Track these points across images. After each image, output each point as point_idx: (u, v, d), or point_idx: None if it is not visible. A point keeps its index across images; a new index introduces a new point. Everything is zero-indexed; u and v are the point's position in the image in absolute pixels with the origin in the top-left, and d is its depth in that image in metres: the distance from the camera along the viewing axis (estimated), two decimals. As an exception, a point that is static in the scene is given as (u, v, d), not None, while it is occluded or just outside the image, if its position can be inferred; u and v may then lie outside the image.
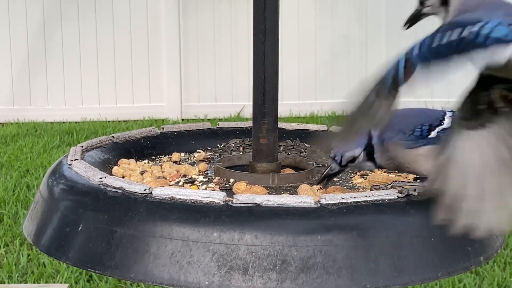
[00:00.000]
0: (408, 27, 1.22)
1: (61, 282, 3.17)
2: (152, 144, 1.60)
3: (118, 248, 1.10)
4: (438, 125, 1.21)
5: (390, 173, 1.47)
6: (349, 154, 1.26)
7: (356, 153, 1.26)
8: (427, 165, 1.22)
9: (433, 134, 1.21)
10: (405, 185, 1.27)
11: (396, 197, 1.16)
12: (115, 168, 1.43)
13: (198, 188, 1.33)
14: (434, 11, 1.19)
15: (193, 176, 1.40)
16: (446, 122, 1.21)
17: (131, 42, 6.72)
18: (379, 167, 1.28)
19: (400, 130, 1.23)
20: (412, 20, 1.22)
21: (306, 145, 1.65)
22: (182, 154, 1.59)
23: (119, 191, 1.17)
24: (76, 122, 6.50)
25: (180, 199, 1.12)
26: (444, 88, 6.91)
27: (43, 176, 1.37)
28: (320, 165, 1.51)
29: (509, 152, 1.07)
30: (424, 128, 1.21)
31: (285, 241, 1.06)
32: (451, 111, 1.25)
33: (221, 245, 1.06)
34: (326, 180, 1.30)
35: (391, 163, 1.26)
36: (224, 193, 1.13)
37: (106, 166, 1.45)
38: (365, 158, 1.26)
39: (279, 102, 1.42)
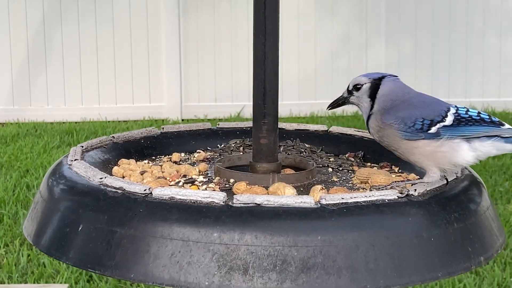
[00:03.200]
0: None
1: (61, 282, 3.17)
2: (152, 144, 1.60)
3: (118, 249, 1.10)
4: (439, 121, 1.24)
5: (390, 173, 1.47)
6: (355, 81, 1.36)
7: (361, 81, 1.35)
8: (421, 157, 1.25)
9: (433, 130, 1.24)
10: (405, 184, 1.28)
11: (396, 197, 1.16)
12: (115, 168, 1.43)
13: (198, 188, 1.33)
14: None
15: (193, 176, 1.40)
16: (448, 120, 1.24)
17: (131, 42, 6.72)
18: (368, 128, 1.33)
19: (402, 119, 1.25)
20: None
21: (306, 145, 1.65)
22: (182, 154, 1.59)
23: (119, 191, 1.17)
24: (76, 122, 6.50)
25: (180, 199, 1.12)
26: (444, 88, 6.91)
27: (43, 176, 1.37)
28: (321, 165, 1.51)
29: None
30: (426, 122, 1.24)
31: (285, 241, 1.06)
32: (456, 107, 1.27)
33: (221, 246, 1.06)
34: (335, 105, 1.39)
35: (381, 139, 1.30)
36: (224, 194, 1.12)
37: (106, 166, 1.45)
38: (367, 92, 1.33)
39: (279, 102, 1.42)
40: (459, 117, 1.24)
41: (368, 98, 1.33)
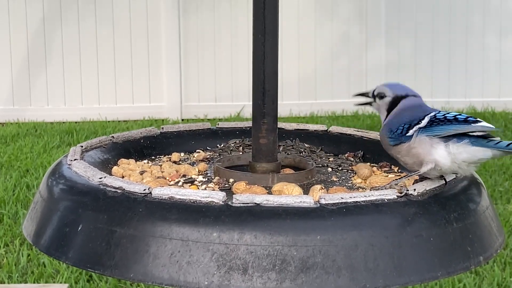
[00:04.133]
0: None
1: (61, 282, 3.17)
2: (151, 144, 1.60)
3: (118, 248, 1.10)
4: (416, 124, 1.29)
5: (389, 173, 1.47)
6: (381, 89, 1.42)
7: (386, 93, 1.41)
8: (405, 159, 1.32)
9: (410, 132, 1.30)
10: (401, 179, 1.29)
11: (396, 197, 1.16)
12: (114, 168, 1.43)
13: (198, 188, 1.33)
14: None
15: (193, 176, 1.40)
16: (424, 122, 1.29)
17: (131, 42, 6.72)
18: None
19: (389, 129, 1.34)
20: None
21: (306, 145, 1.65)
22: (182, 154, 1.59)
23: (119, 191, 1.17)
24: (76, 122, 6.50)
25: (179, 199, 1.12)
26: (444, 88, 6.91)
27: (43, 176, 1.37)
28: (320, 165, 1.51)
29: None
30: (405, 126, 1.31)
31: (285, 241, 1.06)
32: (438, 112, 1.31)
33: (221, 245, 1.06)
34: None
35: (384, 147, 1.38)
36: (223, 193, 1.12)
37: (105, 166, 1.45)
38: (386, 105, 1.40)
39: (279, 102, 1.42)
40: (434, 118, 1.29)
41: (386, 112, 1.40)
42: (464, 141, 1.25)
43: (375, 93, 1.42)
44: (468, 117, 1.28)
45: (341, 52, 7.00)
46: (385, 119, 1.39)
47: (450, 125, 1.27)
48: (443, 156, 1.26)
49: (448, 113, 1.30)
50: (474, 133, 1.26)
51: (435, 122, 1.28)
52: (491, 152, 1.24)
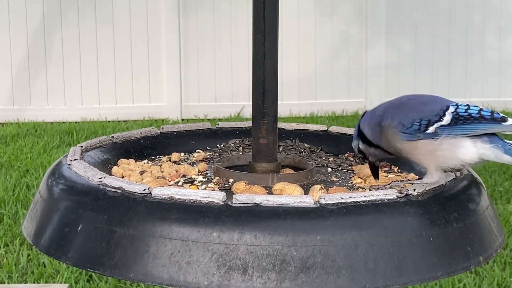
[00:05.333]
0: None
1: (61, 282, 3.17)
2: (151, 144, 1.60)
3: (118, 248, 1.10)
4: (437, 121, 1.23)
5: (389, 173, 1.47)
6: (354, 144, 1.37)
7: (355, 146, 1.37)
8: (421, 157, 1.25)
9: (430, 129, 1.23)
10: (404, 184, 1.28)
11: (396, 197, 1.16)
12: (114, 168, 1.43)
13: (198, 188, 1.33)
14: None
15: (193, 176, 1.40)
16: (446, 119, 1.23)
17: (131, 42, 6.72)
18: (386, 150, 1.31)
19: (400, 121, 1.25)
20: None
21: (306, 145, 1.65)
22: (182, 154, 1.59)
23: (119, 191, 1.17)
24: (76, 122, 6.50)
25: (179, 199, 1.12)
26: (444, 88, 6.91)
27: (43, 176, 1.37)
28: (320, 165, 1.51)
29: None
30: (423, 122, 1.23)
31: (285, 241, 1.06)
32: (456, 105, 1.25)
33: (221, 245, 1.06)
34: (375, 173, 1.37)
35: (390, 147, 1.29)
36: (223, 193, 1.12)
37: (105, 166, 1.45)
38: (366, 146, 1.33)
39: (279, 102, 1.42)
40: (458, 115, 1.23)
41: (369, 147, 1.34)
42: (496, 145, 1.21)
43: (358, 153, 1.39)
44: (492, 112, 1.23)
45: (341, 52, 7.00)
46: (372, 144, 1.32)
47: (478, 124, 1.21)
48: (473, 155, 1.22)
49: (468, 108, 1.23)
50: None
51: (460, 120, 1.22)
52: None
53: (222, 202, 1.11)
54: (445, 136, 1.22)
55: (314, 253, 1.05)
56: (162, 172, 1.42)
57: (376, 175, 1.36)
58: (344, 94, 6.95)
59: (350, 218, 1.10)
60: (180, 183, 1.36)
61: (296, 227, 1.07)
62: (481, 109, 1.24)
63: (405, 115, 1.25)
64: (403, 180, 1.34)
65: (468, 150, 1.22)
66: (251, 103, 1.42)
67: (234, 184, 1.32)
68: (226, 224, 1.07)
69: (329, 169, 1.50)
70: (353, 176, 1.45)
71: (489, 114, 1.22)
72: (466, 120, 1.22)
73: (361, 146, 1.34)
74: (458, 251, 1.15)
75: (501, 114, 1.23)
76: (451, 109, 1.24)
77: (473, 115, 1.22)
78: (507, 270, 3.32)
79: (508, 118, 1.22)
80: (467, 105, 1.25)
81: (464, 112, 1.23)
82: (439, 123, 1.22)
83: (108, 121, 6.58)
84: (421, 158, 1.25)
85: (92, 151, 1.48)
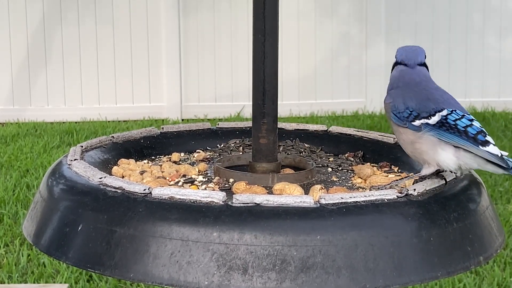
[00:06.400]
0: None
1: (61, 282, 3.17)
2: (151, 144, 1.60)
3: (118, 248, 1.10)
4: (425, 118, 1.27)
5: (389, 173, 1.47)
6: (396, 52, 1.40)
7: (395, 56, 1.39)
8: (405, 144, 1.31)
9: (416, 123, 1.28)
10: (404, 182, 1.28)
11: (396, 196, 1.16)
12: (114, 168, 1.43)
13: (198, 188, 1.33)
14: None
15: (193, 176, 1.40)
16: (433, 120, 1.26)
17: (131, 42, 6.72)
18: None
19: (395, 104, 1.31)
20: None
21: (306, 145, 1.65)
22: (182, 154, 1.59)
23: (119, 191, 1.17)
24: (76, 122, 6.50)
25: (179, 199, 1.12)
26: (444, 88, 6.90)
27: (43, 176, 1.37)
28: (320, 165, 1.51)
29: None
30: (414, 114, 1.28)
31: (285, 241, 1.06)
32: (451, 111, 1.27)
33: (221, 245, 1.06)
34: None
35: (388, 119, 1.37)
36: (223, 193, 1.13)
37: (105, 166, 1.45)
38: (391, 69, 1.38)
39: (279, 102, 1.42)
40: (445, 121, 1.26)
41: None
42: (473, 155, 1.24)
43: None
44: (479, 132, 1.24)
45: (341, 52, 7.00)
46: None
47: (458, 138, 1.24)
48: (450, 162, 1.25)
49: (461, 118, 1.26)
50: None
51: (445, 126, 1.25)
52: (501, 171, 1.23)
53: (222, 202, 1.11)
54: (427, 133, 1.26)
55: (314, 253, 1.05)
56: (162, 172, 1.42)
57: None
58: (344, 94, 6.95)
59: (350, 218, 1.10)
60: (180, 183, 1.36)
61: (296, 227, 1.07)
62: (470, 125, 1.25)
63: (402, 101, 1.31)
64: (402, 178, 1.34)
65: (447, 157, 1.26)
66: (251, 103, 1.42)
67: (234, 184, 1.32)
68: (226, 224, 1.07)
69: (329, 169, 1.50)
70: (353, 176, 1.45)
71: (474, 133, 1.24)
72: (449, 128, 1.25)
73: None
74: (458, 251, 1.15)
75: (486, 138, 1.24)
76: (443, 112, 1.27)
77: (458, 127, 1.25)
78: (507, 270, 3.32)
79: (490, 144, 1.23)
80: (463, 115, 1.26)
81: (452, 120, 1.25)
82: (426, 120, 1.27)
83: (108, 121, 6.58)
84: (403, 143, 1.31)
85: (92, 151, 1.48)
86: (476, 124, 1.25)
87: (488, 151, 1.22)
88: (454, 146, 1.25)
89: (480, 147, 1.22)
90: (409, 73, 1.35)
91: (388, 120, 1.34)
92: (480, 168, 1.25)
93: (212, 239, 1.06)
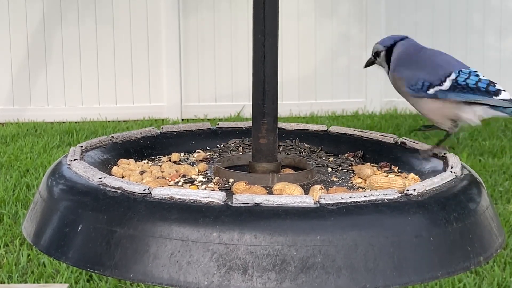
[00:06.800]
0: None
1: (61, 282, 3.17)
2: (151, 144, 1.60)
3: (118, 248, 1.10)
4: (437, 85, 1.38)
5: (389, 173, 1.47)
6: (376, 48, 1.52)
7: (379, 49, 1.51)
8: (427, 112, 1.43)
9: (431, 91, 1.39)
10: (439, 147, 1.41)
11: (396, 196, 1.16)
12: (114, 168, 1.43)
13: (198, 188, 1.33)
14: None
15: (193, 176, 1.40)
16: (445, 85, 1.38)
17: (131, 42, 6.72)
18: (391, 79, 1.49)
19: (407, 78, 1.42)
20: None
21: (306, 145, 1.65)
22: (182, 154, 1.59)
23: (119, 191, 1.17)
24: (76, 122, 6.50)
25: (179, 199, 1.12)
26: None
27: (43, 176, 1.37)
28: (320, 165, 1.51)
29: None
30: (426, 84, 1.39)
31: (285, 241, 1.06)
32: (458, 72, 1.40)
33: (221, 245, 1.06)
34: (368, 65, 1.56)
35: (398, 91, 1.47)
36: (223, 193, 1.12)
37: (105, 166, 1.45)
38: (384, 58, 1.50)
39: (279, 102, 1.42)
40: (456, 83, 1.37)
41: (386, 63, 1.50)
42: (487, 107, 1.39)
43: (373, 54, 1.51)
44: (489, 84, 1.37)
45: (341, 52, 7.00)
46: (389, 69, 1.48)
47: (473, 95, 1.37)
48: (473, 117, 1.40)
49: (469, 77, 1.37)
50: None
51: (457, 88, 1.36)
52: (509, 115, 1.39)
53: (222, 202, 1.11)
54: (444, 97, 1.38)
55: (314, 253, 1.05)
56: (162, 172, 1.42)
57: (366, 65, 1.56)
58: (344, 94, 6.95)
59: (350, 218, 1.10)
60: (180, 183, 1.36)
61: (296, 227, 1.07)
62: (479, 80, 1.38)
63: (412, 74, 1.42)
64: (439, 143, 1.43)
65: (468, 113, 1.39)
66: (251, 103, 1.42)
67: (234, 184, 1.32)
68: (226, 224, 1.07)
69: (329, 169, 1.50)
70: (353, 176, 1.45)
71: (485, 86, 1.38)
72: (462, 89, 1.37)
73: (381, 59, 1.52)
74: (458, 251, 1.15)
75: (497, 87, 1.38)
76: (453, 76, 1.38)
77: (470, 85, 1.37)
78: (507, 270, 3.32)
79: (502, 91, 1.38)
80: (469, 73, 1.39)
81: (463, 81, 1.37)
82: (439, 87, 1.38)
83: (108, 121, 6.58)
84: (427, 113, 1.43)
85: (92, 151, 1.48)
86: (483, 77, 1.39)
87: (502, 99, 1.37)
88: (471, 102, 1.37)
89: (494, 97, 1.36)
90: (405, 45, 1.48)
91: (402, 94, 1.44)
92: (500, 114, 1.38)
93: (212, 239, 1.06)
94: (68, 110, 6.68)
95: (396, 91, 1.49)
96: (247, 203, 1.10)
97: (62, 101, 6.71)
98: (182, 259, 1.06)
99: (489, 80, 1.39)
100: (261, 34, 1.37)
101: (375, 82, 6.90)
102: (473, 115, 1.40)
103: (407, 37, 1.50)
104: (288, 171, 1.45)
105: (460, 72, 1.39)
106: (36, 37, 6.65)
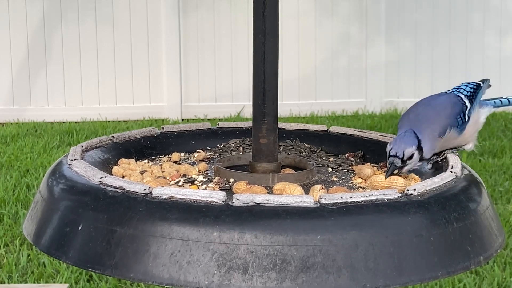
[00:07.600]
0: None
1: (61, 282, 3.17)
2: (152, 144, 1.60)
3: (118, 248, 1.10)
4: (467, 109, 1.46)
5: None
6: (408, 151, 1.37)
7: (413, 150, 1.38)
8: (470, 135, 1.50)
9: (467, 118, 1.47)
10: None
11: (396, 196, 1.16)
12: (115, 168, 1.43)
13: (198, 188, 1.33)
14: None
15: (193, 176, 1.40)
16: (467, 104, 1.47)
17: (131, 42, 6.72)
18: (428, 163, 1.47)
19: (452, 126, 1.44)
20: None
21: (306, 145, 1.65)
22: (182, 154, 1.59)
23: (119, 190, 1.17)
24: (76, 122, 6.50)
25: (180, 198, 1.12)
26: (444, 87, 6.90)
27: (43, 176, 1.37)
28: (320, 165, 1.51)
29: None
30: (461, 115, 1.46)
31: (285, 241, 1.06)
32: (455, 91, 1.48)
33: (221, 245, 1.06)
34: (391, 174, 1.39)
35: (448, 145, 1.49)
36: (224, 193, 1.13)
37: (106, 166, 1.45)
38: (418, 157, 1.40)
39: (279, 102, 1.42)
40: (469, 95, 1.48)
41: (418, 156, 1.39)
42: (489, 104, 1.54)
43: (405, 159, 1.37)
44: (470, 83, 1.52)
45: (341, 52, 7.00)
46: (422, 157, 1.40)
47: (479, 92, 1.50)
48: (482, 119, 1.53)
49: (465, 88, 1.50)
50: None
51: (470, 96, 1.48)
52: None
53: (223, 201, 1.11)
54: (474, 111, 1.49)
55: (315, 253, 1.06)
56: (162, 172, 1.42)
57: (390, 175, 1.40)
58: (344, 94, 6.96)
59: (351, 218, 1.10)
60: (180, 183, 1.36)
61: (296, 227, 1.07)
62: (466, 84, 1.51)
63: (449, 122, 1.45)
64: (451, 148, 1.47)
65: (482, 114, 1.53)
66: (251, 103, 1.42)
67: (234, 184, 1.32)
68: (227, 223, 1.07)
69: (330, 169, 1.50)
70: (354, 176, 1.45)
71: (473, 84, 1.51)
72: (473, 94, 1.49)
73: (414, 160, 1.40)
74: (458, 251, 1.15)
75: (475, 82, 1.52)
76: (462, 96, 1.47)
77: (470, 86, 1.50)
78: (507, 270, 3.32)
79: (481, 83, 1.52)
80: (458, 86, 1.50)
81: (467, 92, 1.49)
82: (467, 109, 1.46)
83: (108, 121, 6.58)
84: (471, 135, 1.50)
85: (92, 151, 1.48)
86: (465, 85, 1.51)
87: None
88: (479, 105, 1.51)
89: (481, 86, 1.52)
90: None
91: (450, 141, 1.46)
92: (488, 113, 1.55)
93: (212, 238, 1.06)
94: (68, 110, 6.68)
95: (437, 149, 1.43)
96: (248, 203, 1.10)
97: (62, 101, 6.71)
98: (183, 259, 1.06)
99: (473, 83, 1.52)
100: (262, 34, 1.37)
101: (375, 82, 6.90)
102: (483, 117, 1.53)
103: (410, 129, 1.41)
104: (289, 171, 1.45)
105: (459, 88, 1.50)
106: (36, 37, 6.65)
